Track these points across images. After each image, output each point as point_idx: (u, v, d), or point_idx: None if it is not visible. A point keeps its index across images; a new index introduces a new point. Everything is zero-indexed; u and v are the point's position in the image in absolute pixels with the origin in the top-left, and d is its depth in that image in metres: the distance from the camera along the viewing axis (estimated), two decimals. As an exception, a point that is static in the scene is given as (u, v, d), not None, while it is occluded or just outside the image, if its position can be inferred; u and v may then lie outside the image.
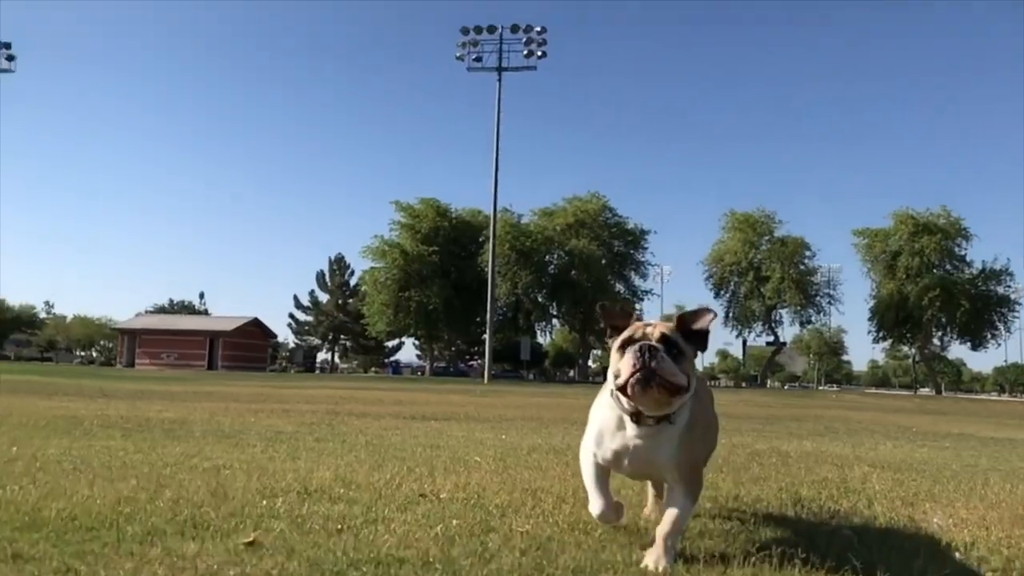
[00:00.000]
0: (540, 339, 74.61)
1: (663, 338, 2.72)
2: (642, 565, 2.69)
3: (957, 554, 3.13)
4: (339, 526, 3.18)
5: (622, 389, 2.70)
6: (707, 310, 2.82)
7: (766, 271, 60.61)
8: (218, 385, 22.82)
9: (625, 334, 2.78)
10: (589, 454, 3.00)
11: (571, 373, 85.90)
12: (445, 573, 2.55)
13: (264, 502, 3.64)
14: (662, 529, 2.79)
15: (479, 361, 71.88)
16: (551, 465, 5.37)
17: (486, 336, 51.40)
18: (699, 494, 2.97)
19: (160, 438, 6.44)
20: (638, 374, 2.63)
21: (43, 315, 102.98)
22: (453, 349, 79.45)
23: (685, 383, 2.69)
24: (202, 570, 2.50)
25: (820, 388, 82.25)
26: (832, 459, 6.58)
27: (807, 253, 61.28)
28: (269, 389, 20.84)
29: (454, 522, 3.35)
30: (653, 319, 2.95)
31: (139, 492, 3.75)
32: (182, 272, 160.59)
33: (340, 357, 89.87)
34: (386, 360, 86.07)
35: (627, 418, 2.81)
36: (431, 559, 2.72)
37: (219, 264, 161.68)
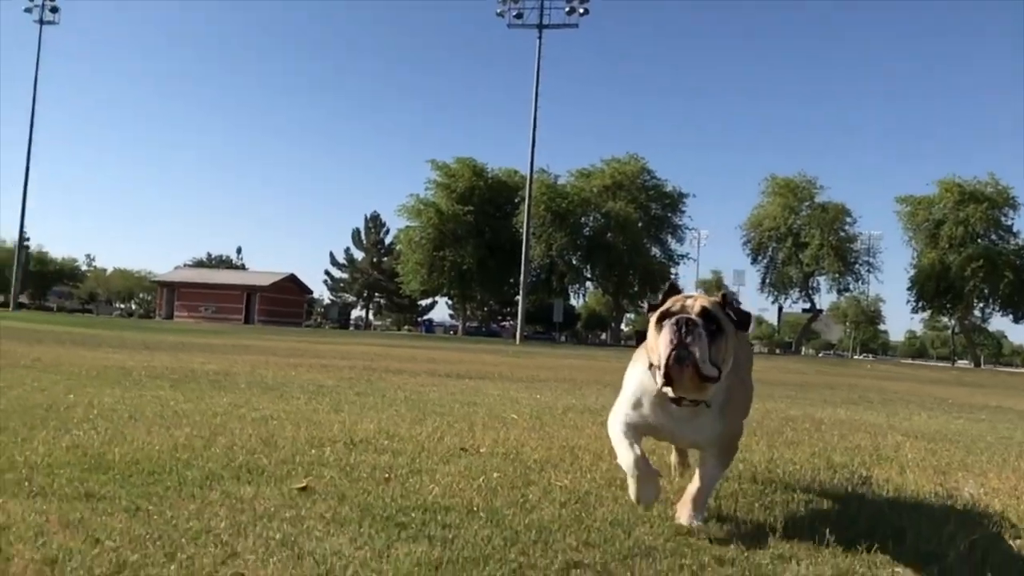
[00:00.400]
0: (573, 301, 74.75)
1: (703, 312, 2.57)
2: (676, 520, 2.77)
3: (987, 522, 3.19)
4: (386, 475, 3.32)
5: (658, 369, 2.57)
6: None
7: (805, 237, 59.89)
8: (255, 339, 23.26)
9: (665, 306, 2.65)
10: (620, 421, 2.87)
11: (603, 336, 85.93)
12: (489, 522, 2.67)
13: (313, 451, 3.79)
14: (694, 487, 2.83)
15: (511, 322, 72.19)
16: (586, 424, 5.49)
17: (519, 297, 51.61)
18: (732, 461, 2.98)
19: (207, 389, 6.65)
20: (674, 353, 2.49)
21: (84, 268, 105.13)
22: (485, 309, 79.78)
23: (715, 374, 2.53)
24: (260, 512, 2.64)
25: (855, 357, 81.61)
26: (866, 427, 6.62)
27: (848, 220, 60.45)
28: (305, 344, 21.20)
29: (495, 475, 3.47)
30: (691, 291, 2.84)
31: (194, 439, 3.93)
32: (220, 227, 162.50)
33: (374, 315, 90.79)
34: (419, 319, 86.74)
35: (666, 399, 2.68)
36: (475, 508, 2.85)
37: (257, 220, 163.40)
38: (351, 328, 78.72)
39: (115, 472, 3.08)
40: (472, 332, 69.33)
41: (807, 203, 61.48)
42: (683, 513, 2.78)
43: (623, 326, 76.52)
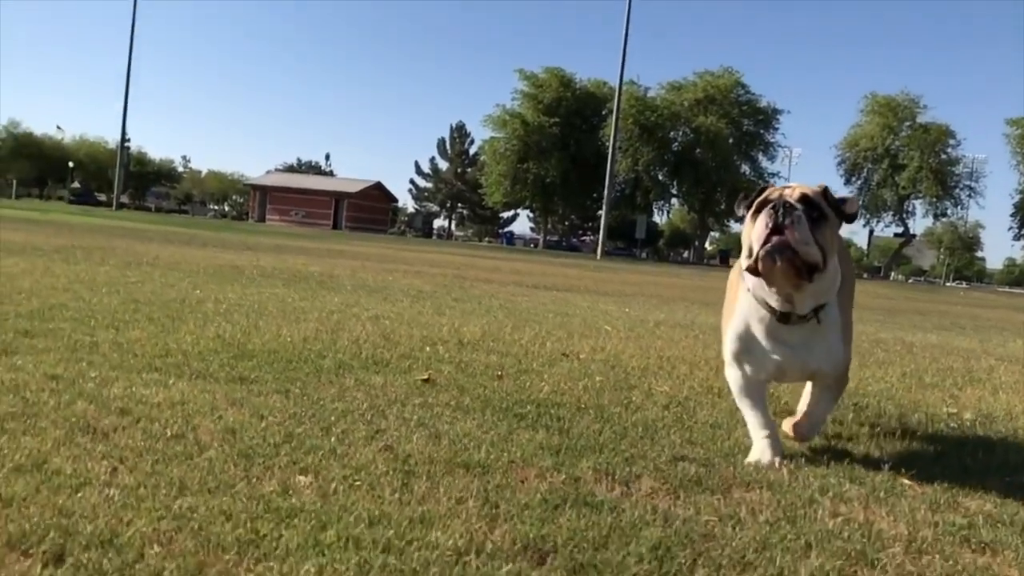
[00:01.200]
0: (656, 218, 73.96)
1: (804, 198, 2.33)
2: (788, 433, 2.74)
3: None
4: (498, 373, 3.60)
5: (753, 269, 2.34)
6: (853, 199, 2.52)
7: (903, 159, 57.52)
8: (346, 244, 23.97)
9: (760, 196, 2.40)
10: (735, 376, 2.64)
11: (685, 254, 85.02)
12: (598, 418, 2.92)
13: (427, 348, 4.10)
14: (805, 407, 2.79)
15: (591, 237, 72.00)
16: (679, 338, 5.68)
17: (601, 212, 51.32)
18: (843, 392, 2.88)
19: (317, 289, 7.06)
20: (772, 239, 2.26)
21: (180, 169, 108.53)
22: (566, 223, 79.65)
23: (819, 259, 2.28)
24: (392, 398, 2.94)
25: (947, 284, 78.86)
26: (958, 352, 6.63)
27: (951, 142, 57.70)
28: (393, 251, 21.78)
29: (597, 379, 3.72)
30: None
31: (320, 333, 4.28)
32: (309, 133, 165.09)
33: (456, 225, 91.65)
34: (500, 231, 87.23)
35: (775, 323, 2.46)
36: (583, 405, 3.10)
37: (345, 128, 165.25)
38: (434, 237, 79.86)
39: (258, 360, 3.43)
40: (552, 246, 69.50)
41: (908, 123, 58.79)
42: (796, 431, 2.74)
43: (707, 245, 75.56)
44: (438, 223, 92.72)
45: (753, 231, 2.31)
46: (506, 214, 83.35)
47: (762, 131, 59.96)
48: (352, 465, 2.08)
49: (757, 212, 2.34)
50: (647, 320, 7.01)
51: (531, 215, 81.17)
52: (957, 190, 58.75)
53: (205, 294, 5.78)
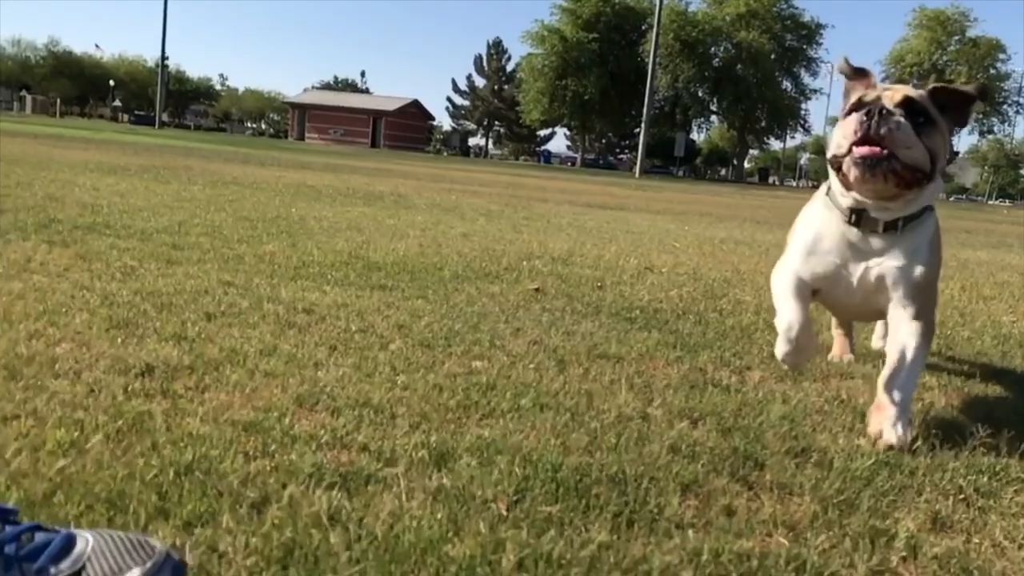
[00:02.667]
0: (694, 136, 73.14)
1: (906, 102, 1.98)
2: (881, 439, 1.95)
3: None
4: (598, 284, 3.99)
5: (837, 166, 2.05)
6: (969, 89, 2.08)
7: (951, 74, 55.97)
8: (392, 163, 24.28)
9: (855, 96, 2.07)
10: (789, 270, 2.23)
11: (722, 172, 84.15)
12: (698, 322, 3.30)
13: (525, 263, 4.49)
14: (891, 385, 2.03)
15: (628, 155, 71.52)
16: (747, 253, 6.02)
17: (639, 130, 50.88)
18: (932, 340, 2.24)
19: (395, 208, 7.47)
20: (860, 153, 1.95)
21: (218, 87, 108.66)
22: (603, 141, 79.01)
23: (926, 164, 1.97)
24: (514, 303, 3.35)
25: (990, 202, 77.41)
26: (1011, 267, 6.89)
27: (1001, 56, 56.04)
28: (440, 171, 22.07)
29: (685, 289, 4.10)
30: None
31: (425, 248, 4.69)
32: (344, 49, 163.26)
33: (493, 143, 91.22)
34: (537, 148, 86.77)
35: (847, 226, 2.12)
36: (681, 311, 3.49)
37: (380, 44, 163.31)
38: (471, 156, 79.70)
39: (386, 271, 3.84)
40: (589, 164, 69.15)
41: (957, 37, 57.10)
42: (886, 427, 1.96)
43: (746, 163, 74.67)
44: (473, 141, 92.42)
45: (842, 130, 2.01)
46: (543, 132, 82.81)
47: (805, 46, 58.71)
48: (513, 354, 2.50)
49: (851, 111, 2.02)
50: (712, 237, 7.34)
51: (568, 133, 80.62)
52: (1005, 106, 57.31)
53: (301, 212, 6.20)
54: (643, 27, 56.73)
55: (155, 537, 1.14)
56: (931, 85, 2.07)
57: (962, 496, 1.68)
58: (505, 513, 1.39)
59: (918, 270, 2.10)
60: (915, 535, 1.46)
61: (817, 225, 2.20)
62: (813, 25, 58.11)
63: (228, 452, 1.52)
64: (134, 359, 2.05)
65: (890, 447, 1.91)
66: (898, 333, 2.10)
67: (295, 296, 3.05)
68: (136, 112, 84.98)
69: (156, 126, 57.01)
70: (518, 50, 75.14)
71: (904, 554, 1.39)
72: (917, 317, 2.09)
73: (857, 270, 2.14)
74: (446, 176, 18.41)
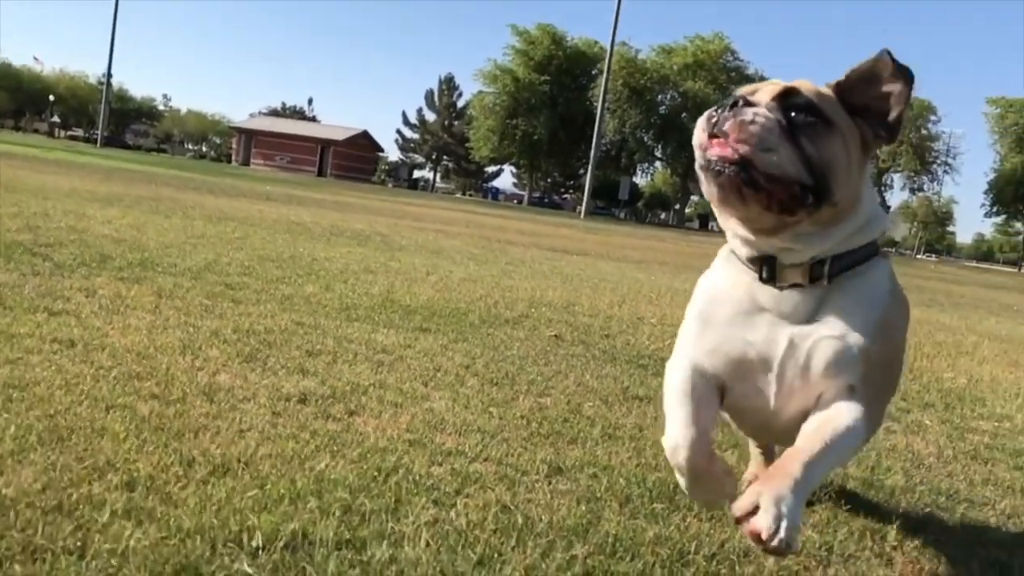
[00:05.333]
0: (638, 180, 75.03)
1: (786, 95, 1.48)
2: (748, 525, 1.34)
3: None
4: (605, 333, 4.59)
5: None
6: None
7: (885, 132, 58.84)
8: (345, 195, 24.69)
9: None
10: (680, 361, 1.64)
11: (663, 216, 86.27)
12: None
13: (533, 310, 5.07)
14: (800, 454, 1.43)
15: (573, 194, 72.97)
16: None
17: (584, 171, 52.19)
18: (874, 432, 1.60)
19: (388, 250, 7.99)
20: (708, 150, 1.44)
21: (161, 108, 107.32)
22: (549, 180, 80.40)
23: (801, 175, 1.41)
24: (541, 349, 3.91)
25: (918, 257, 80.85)
26: (946, 328, 7.71)
27: (932, 118, 59.16)
28: (397, 205, 22.58)
29: (676, 339, 4.72)
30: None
31: (443, 294, 5.24)
32: (291, 76, 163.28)
33: (441, 178, 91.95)
34: (484, 184, 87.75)
35: (756, 283, 1.55)
36: (681, 360, 4.10)
37: (330, 73, 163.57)
38: (419, 189, 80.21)
39: (421, 315, 4.37)
40: (535, 202, 70.31)
41: (892, 96, 60.05)
42: (765, 510, 1.32)
43: (687, 208, 76.79)
44: (419, 173, 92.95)
45: (695, 136, 1.49)
46: (491, 169, 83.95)
47: (749, 98, 61.00)
48: (567, 392, 3.07)
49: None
50: (679, 288, 8.02)
51: (515, 171, 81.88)
52: (935, 165, 60.42)
53: (309, 252, 6.67)
54: (593, 72, 58.38)
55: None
56: (844, 76, 1.52)
57: (928, 510, 2.31)
58: (619, 508, 1.96)
59: (864, 340, 1.48)
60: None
61: (716, 286, 1.63)
62: (757, 78, 60.03)
63: (413, 460, 2.06)
64: (285, 389, 2.56)
65: (759, 541, 1.30)
66: (831, 408, 1.50)
67: (364, 337, 3.57)
68: (74, 128, 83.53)
69: (98, 144, 56.22)
70: (469, 87, 76.48)
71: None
72: (862, 403, 1.49)
73: (775, 349, 1.52)
74: (407, 212, 18.94)
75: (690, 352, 1.63)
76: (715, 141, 1.43)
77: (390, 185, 75.28)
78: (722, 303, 1.59)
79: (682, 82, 58.05)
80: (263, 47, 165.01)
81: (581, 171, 58.85)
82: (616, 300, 6.23)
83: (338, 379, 2.78)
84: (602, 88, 49.97)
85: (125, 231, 6.34)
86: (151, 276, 4.40)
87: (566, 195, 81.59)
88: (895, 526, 2.09)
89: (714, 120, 1.45)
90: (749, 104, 1.45)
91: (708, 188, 1.46)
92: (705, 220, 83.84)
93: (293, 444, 2.06)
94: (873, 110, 1.51)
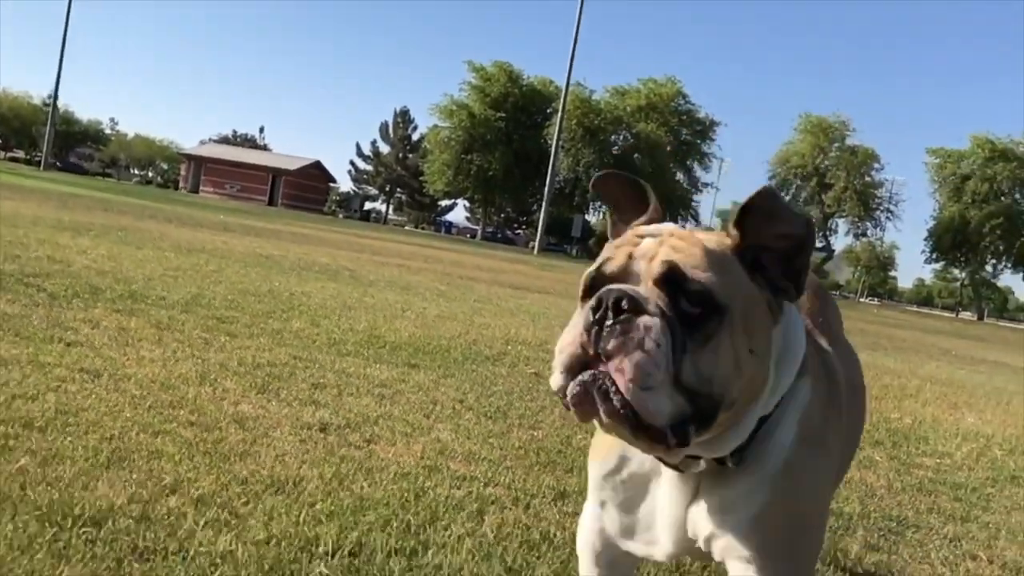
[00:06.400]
0: (590, 217, 76.18)
1: (669, 276, 1.17)
2: None
3: (982, 439, 4.73)
4: (578, 370, 4.86)
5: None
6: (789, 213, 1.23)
7: (830, 178, 60.82)
8: (300, 226, 24.70)
9: (599, 259, 1.27)
10: (587, 521, 1.55)
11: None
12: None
13: (511, 348, 5.34)
14: None
15: (526, 230, 73.71)
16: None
17: (537, 207, 52.90)
18: None
19: (359, 285, 8.19)
20: (576, 381, 1.17)
21: (108, 131, 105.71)
22: (502, 216, 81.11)
23: (663, 423, 1.11)
24: (524, 386, 4.17)
25: (861, 300, 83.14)
26: (891, 372, 8.16)
27: (875, 165, 61.34)
28: (353, 238, 22.67)
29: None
30: (677, 226, 1.30)
31: (423, 331, 5.47)
32: (243, 103, 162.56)
33: (394, 210, 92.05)
34: (437, 218, 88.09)
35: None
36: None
37: (283, 101, 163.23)
38: (371, 221, 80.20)
39: (407, 351, 4.60)
40: (488, 237, 70.83)
41: (837, 144, 62.17)
42: None
43: (637, 246, 77.96)
44: (370, 205, 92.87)
45: (558, 349, 1.25)
46: (445, 203, 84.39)
47: (699, 141, 62.57)
48: (555, 426, 3.33)
49: (588, 291, 1.22)
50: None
51: (468, 205, 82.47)
52: (878, 212, 62.49)
53: (285, 287, 6.85)
54: (548, 110, 59.42)
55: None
56: (737, 216, 1.23)
57: (882, 534, 2.62)
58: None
59: (760, 508, 1.28)
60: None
61: (611, 462, 1.43)
62: (707, 122, 62.22)
63: (436, 484, 2.30)
64: (304, 419, 2.78)
65: None
66: None
67: (359, 371, 3.80)
68: (15, 149, 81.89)
69: (42, 167, 55.24)
70: (425, 121, 76.92)
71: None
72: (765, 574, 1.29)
73: (669, 519, 1.35)
74: (364, 245, 19.09)
75: (596, 512, 1.50)
76: (592, 356, 1.14)
77: (341, 216, 75.18)
78: (622, 472, 1.41)
79: (635, 123, 59.36)
80: (215, 74, 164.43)
81: (534, 207, 59.62)
82: (584, 339, 6.52)
83: (349, 411, 3.00)
84: (557, 127, 50.92)
85: (103, 262, 6.45)
86: (144, 309, 4.57)
87: (519, 230, 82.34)
88: (855, 547, 2.39)
89: (593, 326, 1.14)
90: (636, 306, 1.12)
91: (576, 406, 1.17)
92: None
93: (327, 468, 2.28)
94: (774, 249, 1.22)
